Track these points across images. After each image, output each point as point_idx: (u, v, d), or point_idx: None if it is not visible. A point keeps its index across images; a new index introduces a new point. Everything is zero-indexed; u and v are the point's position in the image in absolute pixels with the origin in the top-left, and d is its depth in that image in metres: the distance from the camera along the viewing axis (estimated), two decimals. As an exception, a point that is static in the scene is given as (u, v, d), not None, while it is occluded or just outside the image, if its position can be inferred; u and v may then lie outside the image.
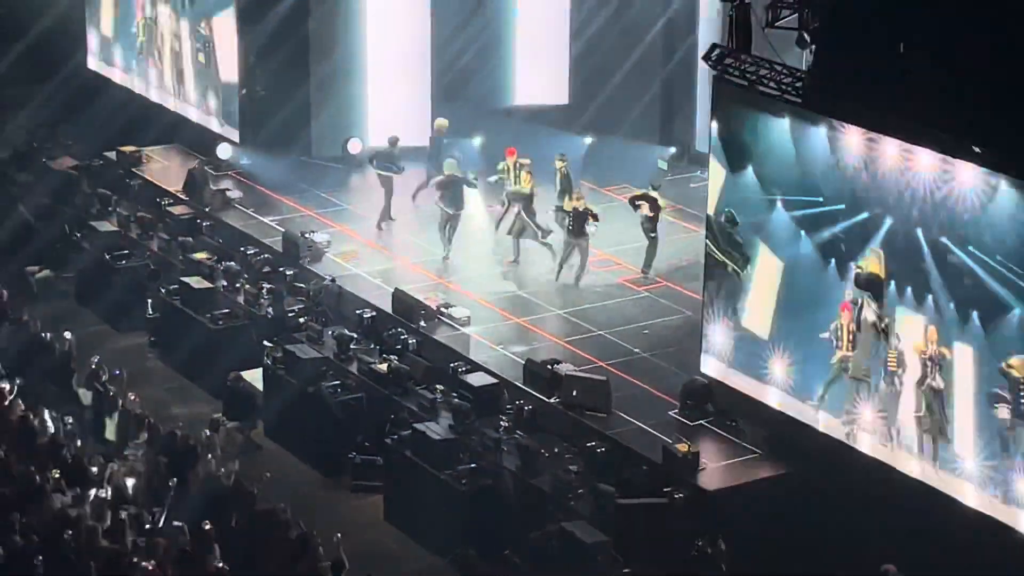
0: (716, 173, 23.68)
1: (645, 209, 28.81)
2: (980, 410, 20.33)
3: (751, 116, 22.93)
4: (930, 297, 20.73)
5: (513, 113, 34.58)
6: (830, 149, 21.78)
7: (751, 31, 23.07)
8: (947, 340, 20.56)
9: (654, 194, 29.07)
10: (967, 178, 20.01)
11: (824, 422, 22.41)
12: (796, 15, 22.71)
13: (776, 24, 22.98)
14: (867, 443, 21.89)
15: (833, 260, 22.01)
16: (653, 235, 28.87)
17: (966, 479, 20.58)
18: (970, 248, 20.08)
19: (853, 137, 21.39)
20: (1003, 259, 19.72)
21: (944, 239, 20.40)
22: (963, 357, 20.44)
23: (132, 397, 25.52)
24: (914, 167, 20.65)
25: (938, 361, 20.70)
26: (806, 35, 22.57)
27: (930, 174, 20.47)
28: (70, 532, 20.50)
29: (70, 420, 24.81)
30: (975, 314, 20.17)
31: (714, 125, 23.61)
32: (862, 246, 21.54)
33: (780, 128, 22.44)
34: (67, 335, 27.35)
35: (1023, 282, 19.53)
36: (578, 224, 28.20)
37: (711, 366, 24.12)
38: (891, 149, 20.90)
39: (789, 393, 22.92)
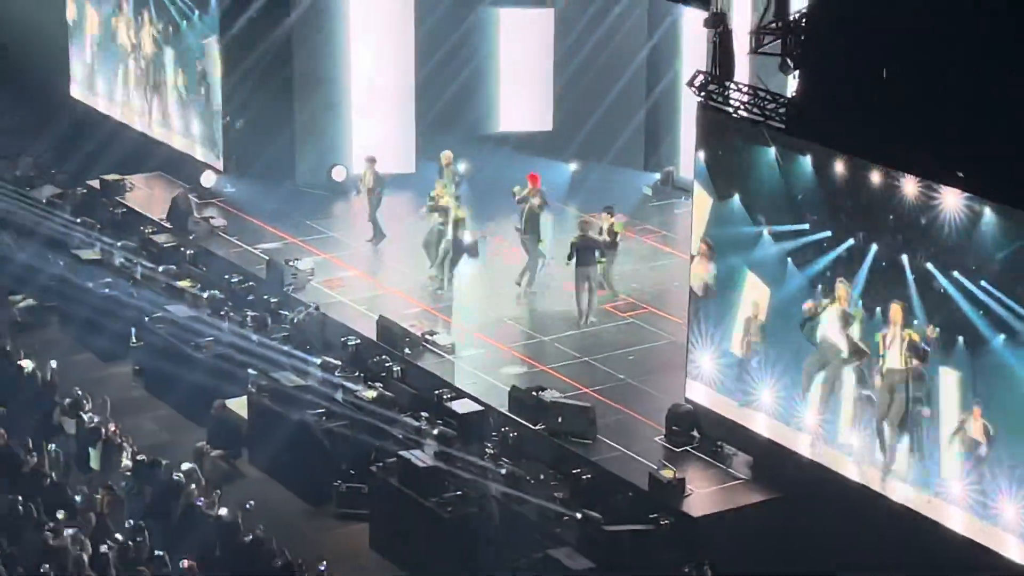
0: (701, 200, 23.69)
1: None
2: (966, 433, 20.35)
3: (737, 143, 22.95)
4: (915, 322, 20.75)
5: (499, 140, 34.61)
6: (816, 176, 21.79)
7: (734, 57, 23.11)
8: (932, 360, 20.61)
9: (611, 219, 28.97)
10: (951, 204, 20.04)
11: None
12: (779, 41, 22.75)
13: (759, 50, 23.02)
14: (853, 468, 21.88)
15: (820, 287, 22.01)
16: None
17: (952, 503, 20.56)
18: (955, 274, 20.10)
19: (839, 164, 21.41)
20: (987, 284, 19.75)
21: (929, 264, 20.42)
22: (948, 381, 20.46)
23: (113, 427, 25.42)
24: (899, 193, 20.67)
25: (918, 369, 20.76)
26: (789, 61, 22.61)
27: (915, 200, 20.49)
28: (53, 563, 20.40)
29: (53, 448, 24.71)
30: (960, 339, 20.18)
31: (699, 152, 23.62)
32: (847, 273, 21.56)
33: (766, 155, 22.45)
34: (51, 364, 27.26)
35: (1006, 308, 19.55)
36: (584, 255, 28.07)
37: (697, 392, 24.10)
38: (876, 176, 20.92)
39: (776, 419, 22.90)
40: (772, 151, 22.30)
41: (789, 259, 22.38)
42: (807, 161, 21.82)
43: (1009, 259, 19.47)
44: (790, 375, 22.61)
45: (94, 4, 37.82)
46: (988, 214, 19.61)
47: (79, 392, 26.20)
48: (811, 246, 22.03)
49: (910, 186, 20.47)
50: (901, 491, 21.18)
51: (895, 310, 20.90)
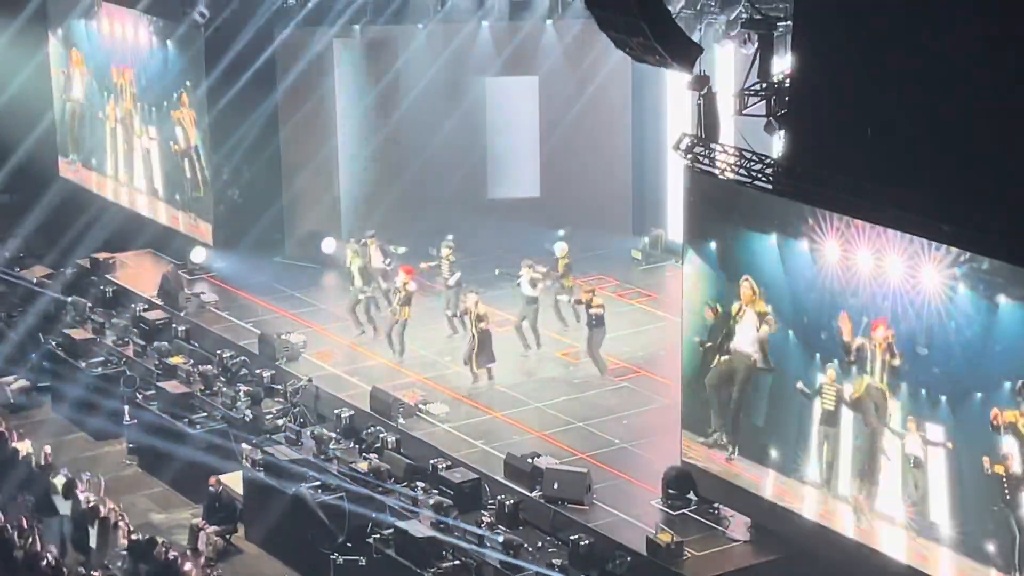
0: (692, 261, 23.67)
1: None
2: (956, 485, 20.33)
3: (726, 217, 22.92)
4: (904, 385, 20.74)
5: (488, 208, 34.72)
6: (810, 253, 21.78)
7: (719, 119, 23.19)
8: (921, 419, 20.61)
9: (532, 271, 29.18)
10: (932, 280, 20.03)
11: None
12: (764, 102, 22.85)
13: (744, 112, 23.11)
14: (850, 526, 21.79)
15: (818, 355, 21.91)
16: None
17: (947, 550, 20.47)
18: (935, 343, 20.15)
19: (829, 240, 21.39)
20: (962, 351, 19.80)
21: (916, 333, 20.45)
22: (936, 435, 20.48)
23: (110, 505, 25.34)
24: (885, 272, 20.63)
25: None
26: (774, 122, 22.70)
27: (900, 278, 20.47)
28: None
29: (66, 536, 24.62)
30: (943, 399, 20.21)
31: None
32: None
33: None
34: (46, 448, 27.21)
35: (980, 370, 19.60)
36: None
37: (692, 454, 24.02)
38: (864, 253, 20.87)
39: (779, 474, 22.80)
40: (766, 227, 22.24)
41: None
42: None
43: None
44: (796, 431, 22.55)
45: (82, 82, 37.99)
46: (962, 291, 19.60)
47: (73, 472, 26.10)
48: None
49: (895, 267, 20.44)
50: (898, 546, 21.07)
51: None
